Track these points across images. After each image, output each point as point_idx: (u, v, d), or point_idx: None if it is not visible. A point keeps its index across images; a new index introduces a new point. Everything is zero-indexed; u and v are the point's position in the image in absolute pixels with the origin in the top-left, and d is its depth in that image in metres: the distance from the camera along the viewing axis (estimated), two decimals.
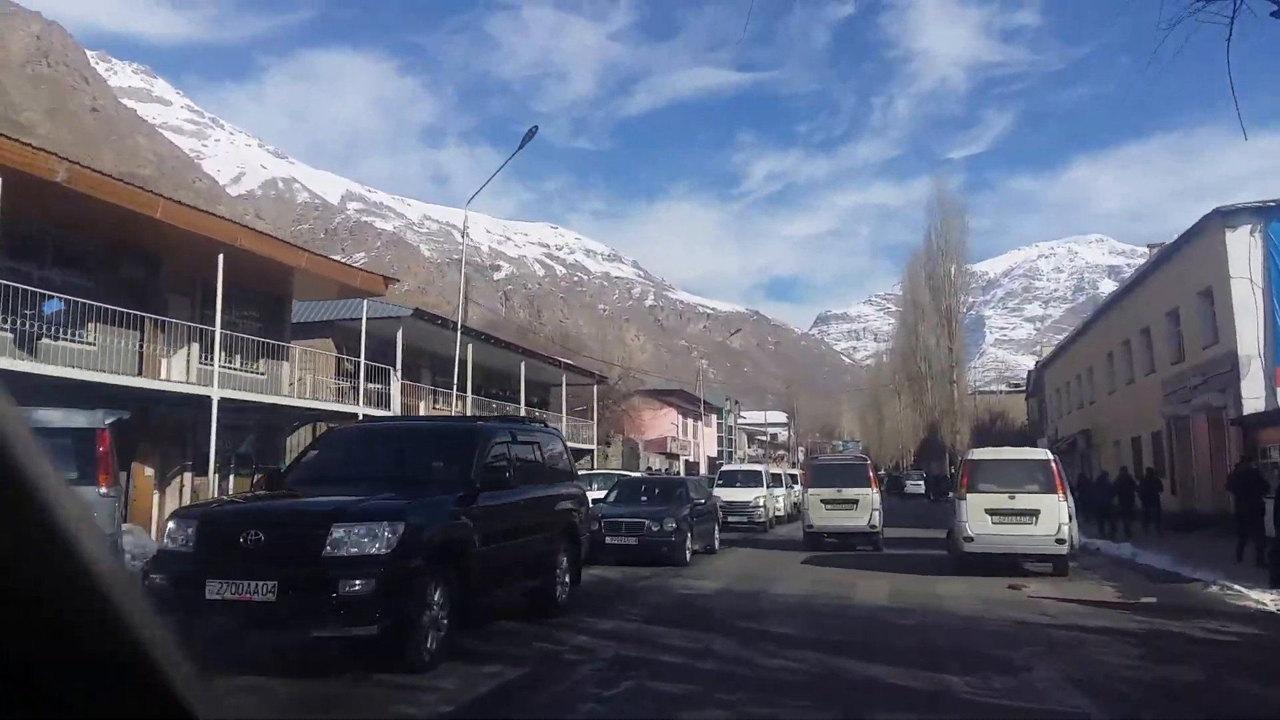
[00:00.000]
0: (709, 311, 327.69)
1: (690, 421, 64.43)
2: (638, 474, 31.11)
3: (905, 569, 17.32)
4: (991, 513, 16.06)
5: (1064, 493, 16.14)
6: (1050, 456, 16.88)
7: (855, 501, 21.68)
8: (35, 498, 0.68)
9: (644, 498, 19.58)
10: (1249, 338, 25.48)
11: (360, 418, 23.44)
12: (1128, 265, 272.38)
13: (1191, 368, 29.06)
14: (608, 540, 16.81)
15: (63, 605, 0.71)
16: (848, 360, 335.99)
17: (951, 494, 18.78)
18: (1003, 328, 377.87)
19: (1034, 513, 15.90)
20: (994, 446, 23.49)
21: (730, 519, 26.82)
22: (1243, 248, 25.80)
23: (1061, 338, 69.37)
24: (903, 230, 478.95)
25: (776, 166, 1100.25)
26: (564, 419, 39.89)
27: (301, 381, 24.66)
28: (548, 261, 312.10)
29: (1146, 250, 39.48)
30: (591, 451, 42.12)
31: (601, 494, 21.22)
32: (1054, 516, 15.82)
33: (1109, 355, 39.64)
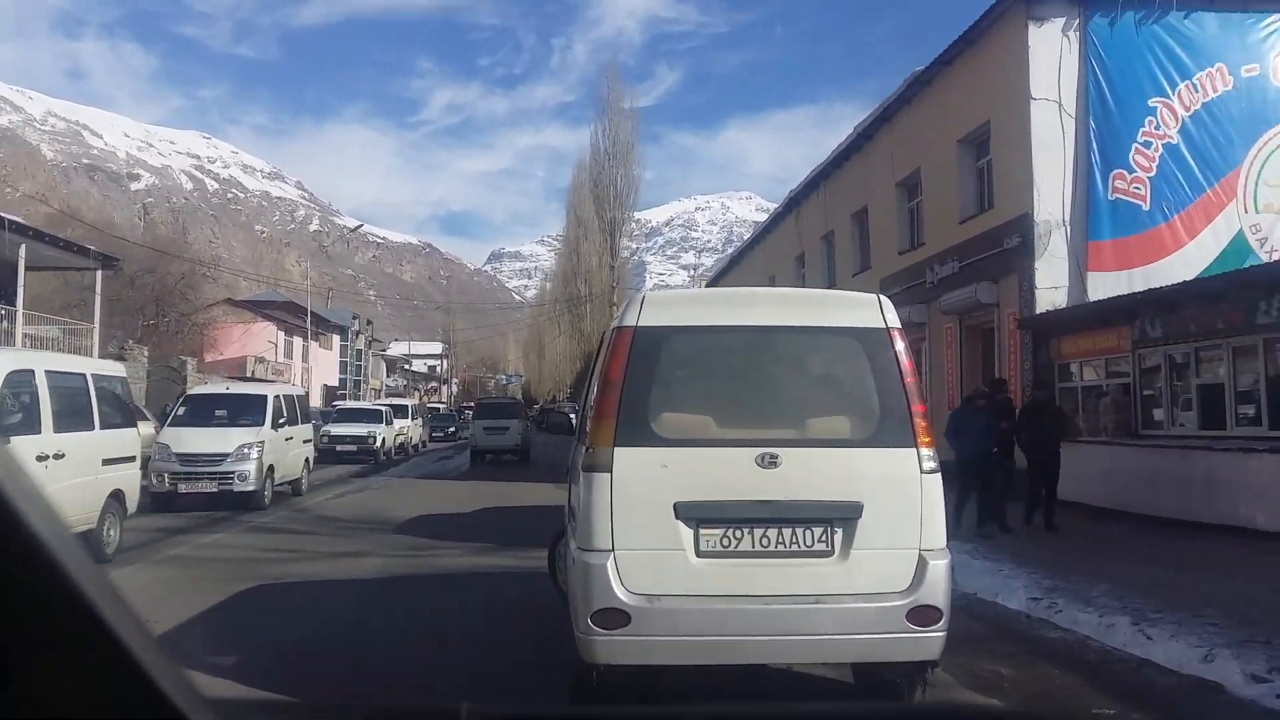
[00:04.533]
0: (379, 241, 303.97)
1: (298, 341, 49.42)
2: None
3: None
4: (701, 520, 4.28)
5: (926, 437, 4.45)
6: (886, 321, 4.65)
7: (507, 428, 27.13)
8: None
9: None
10: (1051, 194, 15.63)
11: None
12: None
13: (937, 254, 19.26)
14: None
15: (33, 603, 0.68)
16: (519, 298, 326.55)
17: (574, 443, 6.10)
18: (661, 274, 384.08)
19: (841, 516, 4.32)
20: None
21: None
22: (1050, 53, 15.84)
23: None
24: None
25: (457, 98, 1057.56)
26: (19, 315, 24.17)
27: None
28: (197, 174, 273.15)
29: None
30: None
31: None
32: (904, 527, 4.34)
33: (799, 257, 29.97)
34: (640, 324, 4.53)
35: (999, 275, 16.68)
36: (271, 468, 15.08)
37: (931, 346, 19.92)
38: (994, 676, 5.56)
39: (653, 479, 4.29)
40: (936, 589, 4.25)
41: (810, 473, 4.34)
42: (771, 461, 4.28)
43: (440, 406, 63.04)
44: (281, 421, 15.80)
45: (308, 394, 22.57)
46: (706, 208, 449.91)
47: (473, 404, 45.48)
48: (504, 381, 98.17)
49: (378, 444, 25.76)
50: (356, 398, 50.33)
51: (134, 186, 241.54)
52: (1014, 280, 16.16)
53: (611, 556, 4.22)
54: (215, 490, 14.37)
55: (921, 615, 4.21)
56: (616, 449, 4.30)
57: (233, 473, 14.25)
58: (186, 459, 14.42)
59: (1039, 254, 15.49)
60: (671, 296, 5.60)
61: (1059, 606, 7.56)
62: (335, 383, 55.28)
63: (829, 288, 26.57)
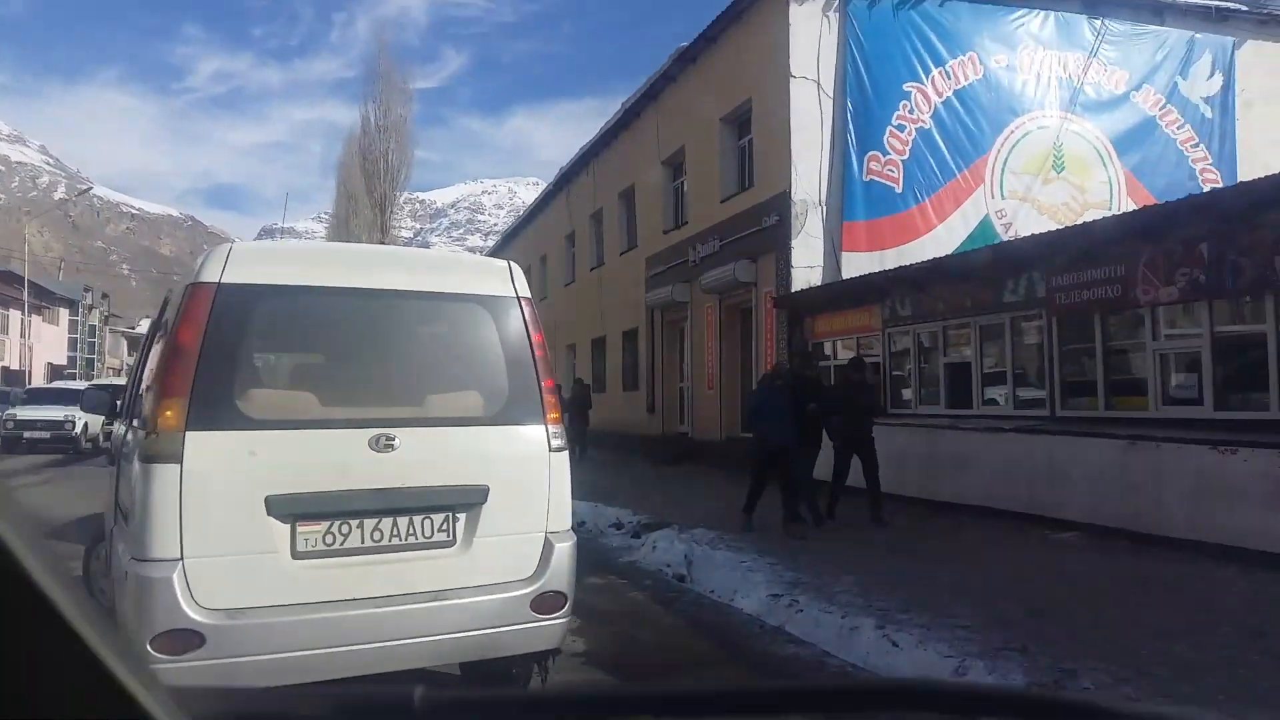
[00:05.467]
0: (134, 212, 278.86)
1: (16, 315, 43.34)
2: None
3: None
4: (299, 515, 3.62)
5: (554, 413, 4.20)
6: (516, 289, 4.29)
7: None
8: None
9: None
10: (809, 174, 15.05)
11: None
12: None
13: (699, 233, 18.48)
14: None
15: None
16: None
17: (124, 429, 5.02)
18: None
19: (465, 502, 3.92)
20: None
21: None
22: (810, 33, 15.24)
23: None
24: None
25: (226, 67, 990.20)
26: None
27: None
28: None
29: None
30: None
31: None
32: (530, 510, 4.05)
33: (569, 235, 28.76)
34: (225, 280, 3.72)
35: (758, 254, 16.02)
36: None
37: (693, 326, 19.17)
38: None
39: (238, 469, 3.54)
40: (561, 574, 4.00)
41: (432, 455, 3.88)
42: (387, 444, 3.74)
43: None
44: None
45: None
46: (493, 191, 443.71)
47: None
48: None
49: (77, 430, 21.81)
50: (89, 377, 44.77)
51: None
52: (772, 259, 15.52)
53: (179, 566, 3.40)
54: None
55: (546, 602, 3.95)
56: (189, 434, 3.48)
57: None
58: None
59: (795, 233, 14.89)
60: (266, 249, 4.37)
61: (800, 605, 6.55)
62: (64, 360, 49.12)
63: (598, 266, 25.56)
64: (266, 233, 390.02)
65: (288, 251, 4.81)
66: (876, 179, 15.16)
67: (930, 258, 13.52)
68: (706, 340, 18.42)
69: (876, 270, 13.76)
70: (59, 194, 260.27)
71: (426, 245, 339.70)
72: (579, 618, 6.25)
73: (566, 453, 4.17)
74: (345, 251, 5.29)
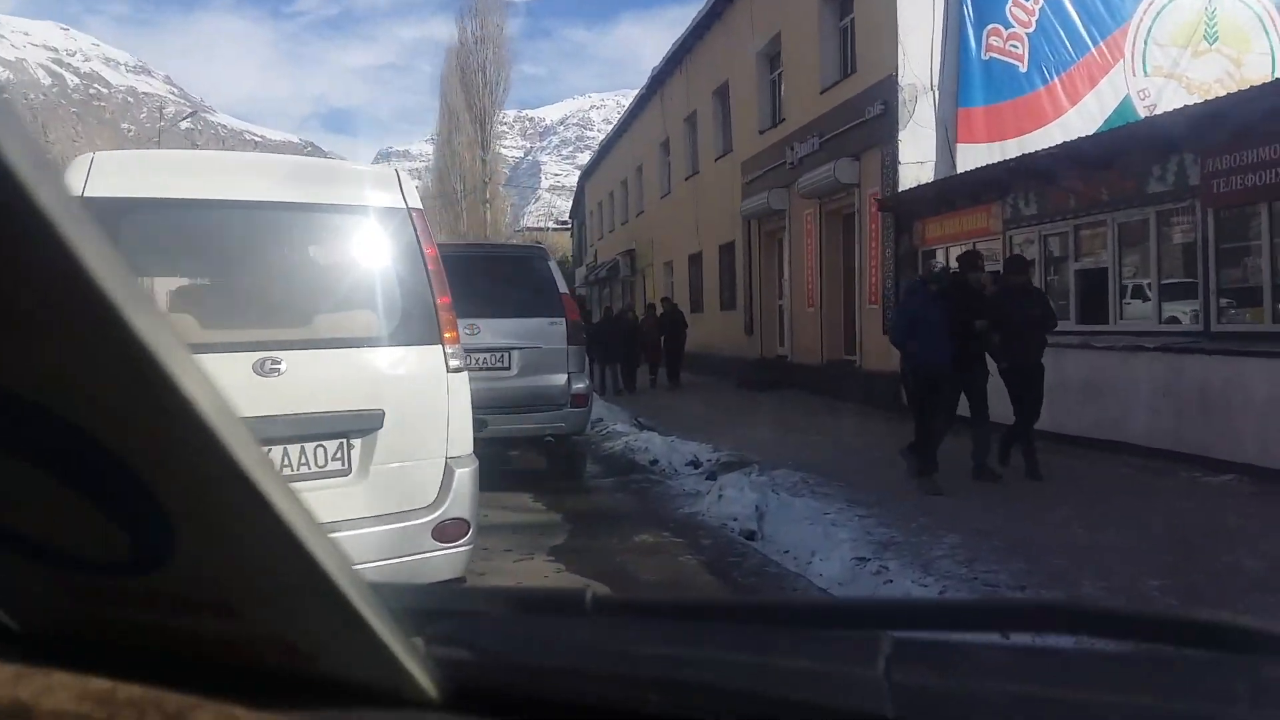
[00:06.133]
0: (257, 139, 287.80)
1: None
2: None
3: None
4: None
5: (451, 331, 4.01)
6: (407, 200, 3.96)
7: None
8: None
9: None
10: (918, 53, 13.28)
11: None
12: None
13: (797, 131, 16.88)
14: None
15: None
16: None
17: None
18: (557, 174, 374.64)
19: (359, 428, 3.79)
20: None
21: None
22: None
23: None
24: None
25: None
26: None
27: None
28: (55, 69, 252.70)
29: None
30: None
31: None
32: (429, 434, 3.97)
33: (664, 143, 27.29)
34: (88, 194, 3.40)
35: (861, 151, 14.38)
36: None
37: (791, 237, 17.71)
38: None
39: None
40: (463, 500, 3.92)
41: (322, 379, 3.72)
42: (273, 368, 3.58)
43: None
44: None
45: None
46: (601, 106, 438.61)
47: None
48: None
49: None
50: None
51: None
52: (877, 156, 13.89)
53: None
54: None
55: (448, 530, 3.87)
56: None
57: None
58: None
59: (903, 123, 13.21)
60: (131, 159, 4.15)
61: (889, 573, 5.43)
62: None
63: (693, 175, 24.17)
64: (382, 156, 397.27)
65: (156, 161, 4.35)
66: (997, 56, 13.27)
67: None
68: (806, 252, 16.97)
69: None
70: (185, 123, 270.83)
71: (537, 164, 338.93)
72: (614, 591, 5.31)
73: (465, 373, 4.00)
74: (219, 160, 4.95)
